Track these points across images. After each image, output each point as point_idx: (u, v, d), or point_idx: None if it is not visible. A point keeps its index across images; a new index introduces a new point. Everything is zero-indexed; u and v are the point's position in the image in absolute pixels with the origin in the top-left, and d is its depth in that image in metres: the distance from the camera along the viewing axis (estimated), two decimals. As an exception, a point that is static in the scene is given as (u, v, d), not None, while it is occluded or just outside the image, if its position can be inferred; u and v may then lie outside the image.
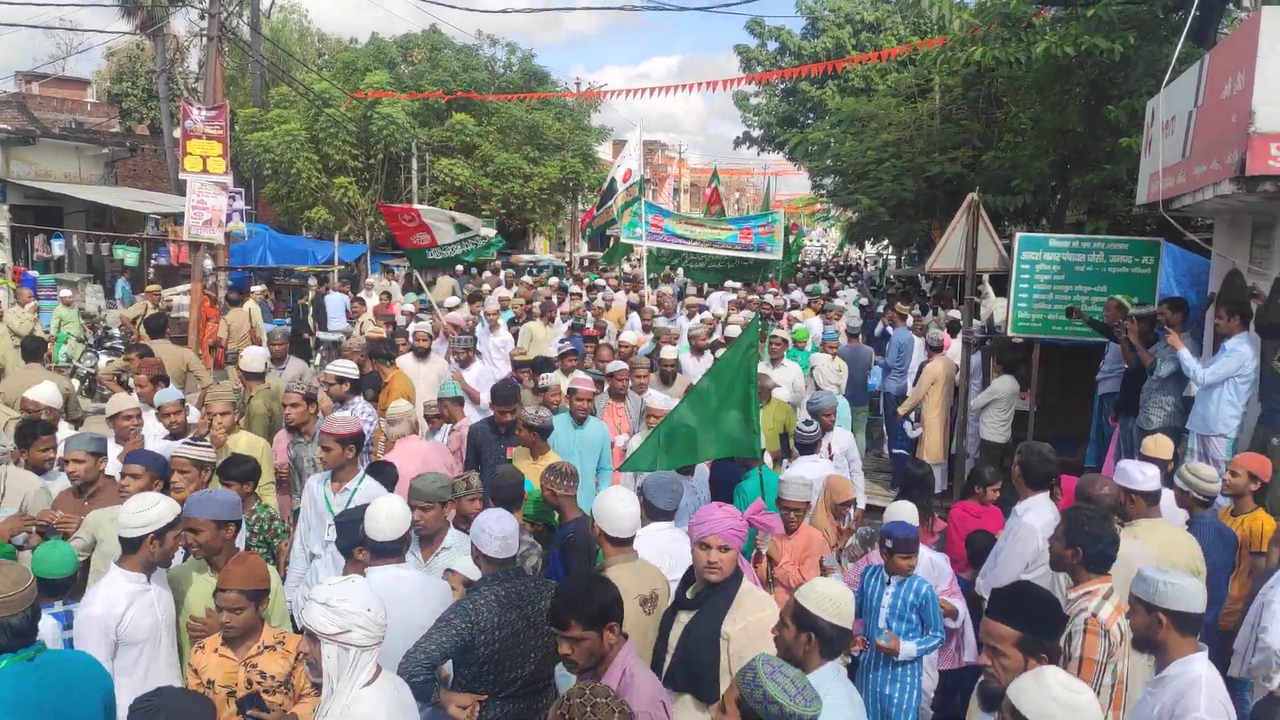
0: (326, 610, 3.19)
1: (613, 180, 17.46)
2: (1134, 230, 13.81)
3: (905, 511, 5.39)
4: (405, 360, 9.96)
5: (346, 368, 7.99)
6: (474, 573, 4.50)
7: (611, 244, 18.68)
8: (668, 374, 9.40)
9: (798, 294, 18.55)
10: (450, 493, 5.22)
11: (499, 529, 4.26)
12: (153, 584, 4.22)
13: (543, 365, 9.19)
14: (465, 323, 11.73)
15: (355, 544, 4.64)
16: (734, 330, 11.33)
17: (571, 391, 7.45)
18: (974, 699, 3.62)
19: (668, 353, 9.73)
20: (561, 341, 10.60)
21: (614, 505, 4.45)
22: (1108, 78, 12.25)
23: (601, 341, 10.96)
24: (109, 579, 4.17)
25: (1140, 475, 5.18)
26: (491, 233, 12.86)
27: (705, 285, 20.09)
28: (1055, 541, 4.34)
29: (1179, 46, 8.53)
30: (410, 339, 10.47)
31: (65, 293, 17.38)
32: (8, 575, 3.36)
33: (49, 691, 3.32)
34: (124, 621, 4.06)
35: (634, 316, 14.41)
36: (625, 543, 4.47)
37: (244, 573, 3.92)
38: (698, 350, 10.90)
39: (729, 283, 19.56)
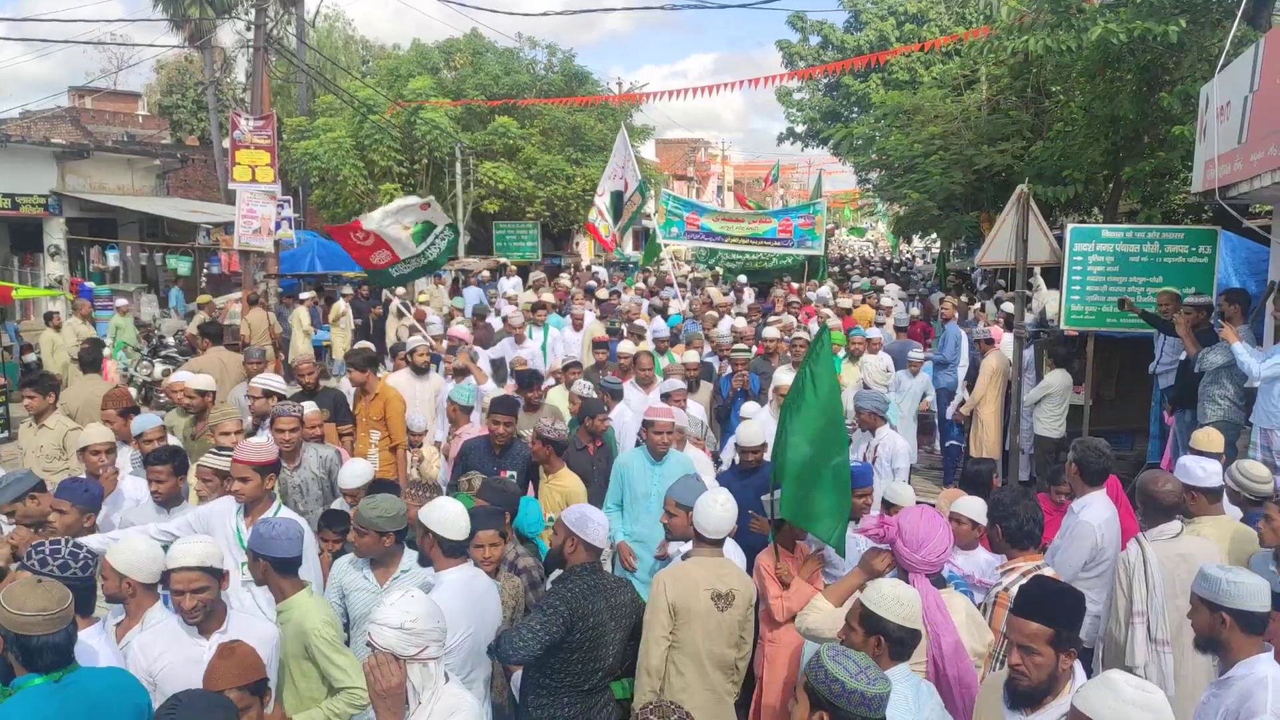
0: (403, 634, 3.17)
1: (615, 195, 16.27)
2: (1189, 219, 13.54)
3: (971, 508, 5.28)
4: (401, 377, 9.21)
5: (273, 381, 7.42)
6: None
7: (647, 243, 18.25)
8: (691, 380, 9.06)
9: (825, 290, 18.05)
10: (403, 522, 4.77)
11: (603, 519, 4.40)
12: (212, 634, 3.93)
13: (530, 379, 8.46)
14: (469, 335, 11.10)
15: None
16: (771, 332, 10.99)
17: (649, 424, 6.53)
18: (989, 697, 3.54)
19: (690, 357, 9.56)
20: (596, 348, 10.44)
21: (708, 504, 4.58)
22: (1160, 64, 12.03)
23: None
24: (162, 622, 4.05)
25: (1200, 471, 5.07)
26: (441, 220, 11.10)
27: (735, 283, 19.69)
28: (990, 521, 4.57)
29: (1233, 30, 8.35)
30: (409, 355, 9.45)
31: (121, 302, 17.72)
32: (47, 593, 3.33)
33: (72, 713, 3.27)
34: (158, 668, 3.89)
35: (657, 320, 13.72)
36: (712, 542, 4.59)
37: (235, 668, 3.40)
38: (725, 358, 10.44)
39: (740, 278, 19.15)
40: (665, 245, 17.35)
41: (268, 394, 7.25)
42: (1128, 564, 4.74)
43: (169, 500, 5.48)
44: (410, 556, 4.79)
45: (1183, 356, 8.46)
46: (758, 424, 6.66)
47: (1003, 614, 4.08)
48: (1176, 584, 4.57)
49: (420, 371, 9.20)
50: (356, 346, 10.03)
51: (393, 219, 10.57)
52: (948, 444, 11.92)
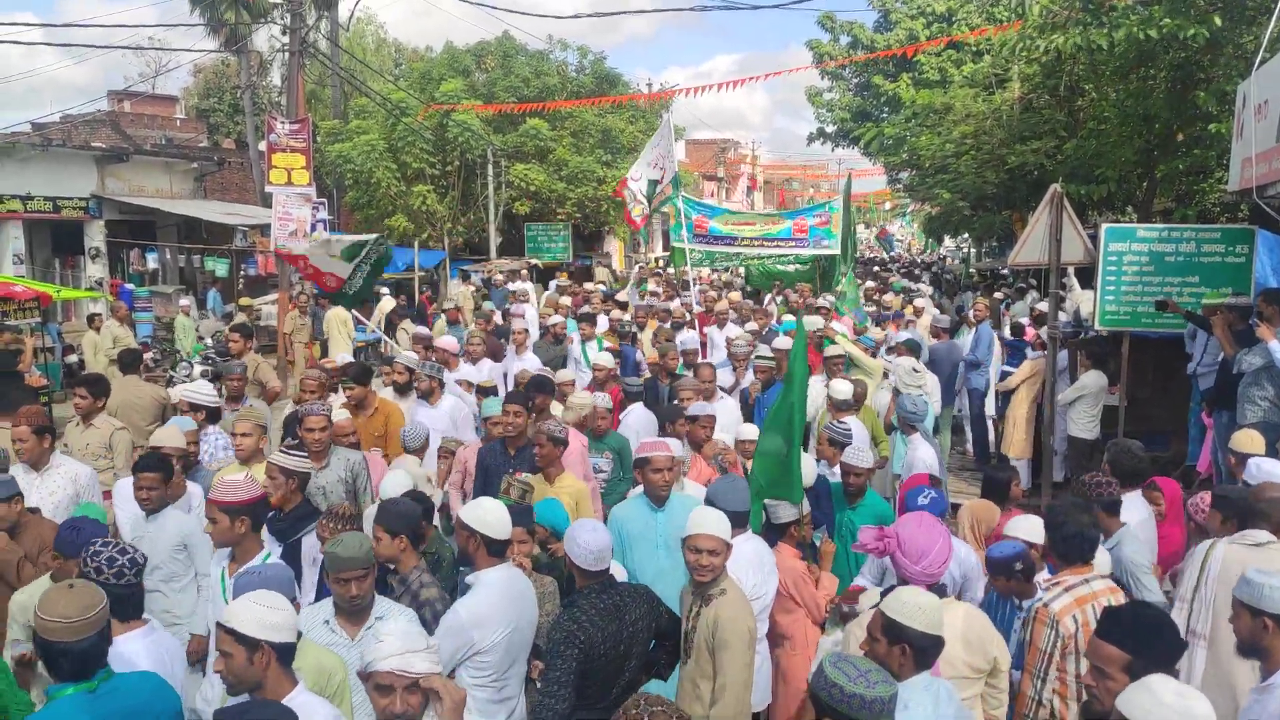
0: (430, 655, 3.19)
1: (652, 183, 15.41)
2: (1225, 218, 13.42)
3: (1022, 528, 5.00)
4: (384, 396, 8.67)
5: (203, 393, 7.05)
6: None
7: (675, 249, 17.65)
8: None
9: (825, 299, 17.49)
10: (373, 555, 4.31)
11: (592, 542, 4.18)
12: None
13: (541, 385, 7.78)
14: (454, 347, 10.30)
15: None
16: (783, 343, 9.99)
17: (644, 461, 5.53)
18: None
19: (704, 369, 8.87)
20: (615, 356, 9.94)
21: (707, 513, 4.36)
22: (1194, 61, 11.93)
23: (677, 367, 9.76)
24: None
25: (1255, 470, 5.05)
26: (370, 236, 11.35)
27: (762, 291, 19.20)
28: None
29: (1270, 28, 8.28)
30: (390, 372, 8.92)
31: (184, 302, 17.98)
32: (75, 600, 3.32)
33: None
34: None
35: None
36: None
37: None
38: (742, 366, 9.94)
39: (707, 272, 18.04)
40: (679, 248, 16.18)
41: (195, 408, 7.01)
42: (1191, 554, 4.73)
43: (156, 508, 5.47)
44: (383, 603, 4.30)
45: (1222, 357, 8.41)
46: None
47: (1041, 630, 4.06)
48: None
49: (402, 390, 8.67)
50: (350, 360, 9.58)
51: (319, 247, 11.00)
52: (974, 415, 11.99)
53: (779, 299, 17.22)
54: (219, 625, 3.34)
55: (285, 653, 3.36)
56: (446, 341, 10.51)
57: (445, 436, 7.80)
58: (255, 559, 4.62)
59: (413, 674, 3.13)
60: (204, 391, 7.09)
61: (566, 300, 15.21)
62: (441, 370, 8.74)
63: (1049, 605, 4.10)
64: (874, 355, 10.71)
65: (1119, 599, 4.16)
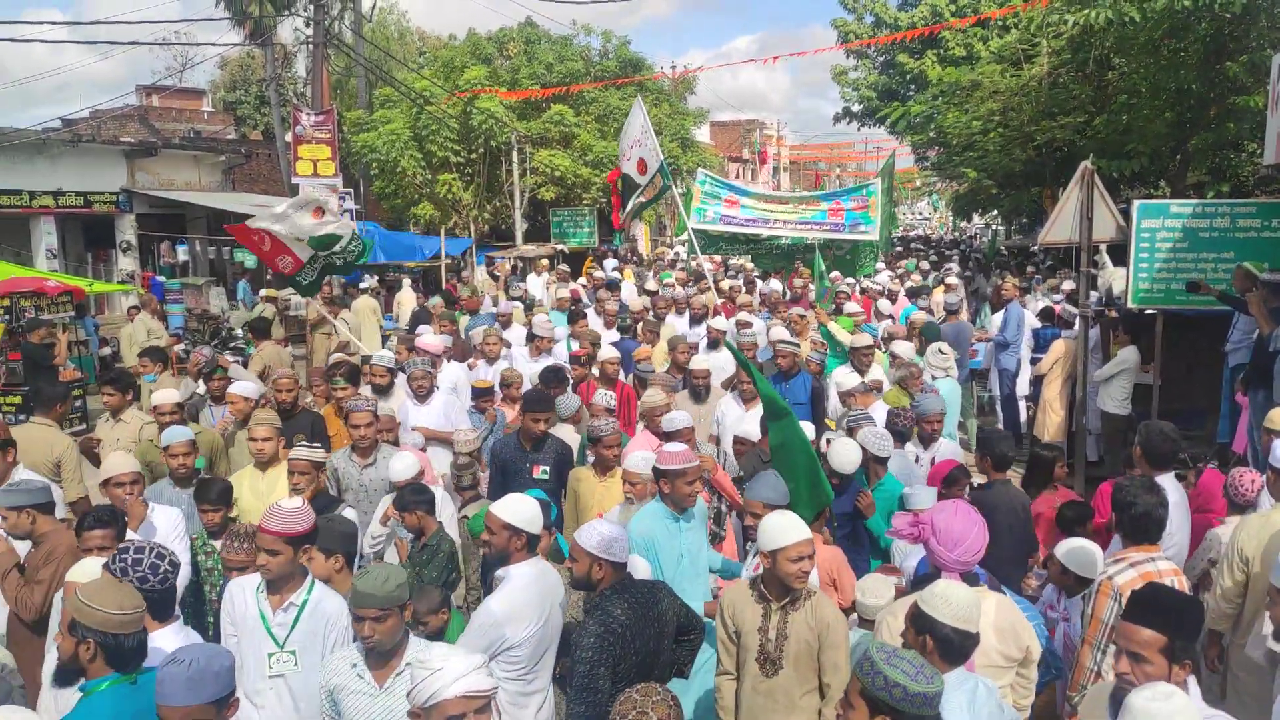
0: (486, 670, 3.10)
1: (626, 177, 13.82)
2: (1260, 191, 13.19)
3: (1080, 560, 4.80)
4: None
5: None
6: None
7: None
8: (699, 389, 8.23)
9: (884, 276, 16.18)
10: (407, 592, 3.85)
11: (616, 530, 4.13)
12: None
13: (538, 403, 6.75)
14: (438, 348, 9.27)
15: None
16: (780, 332, 9.36)
17: (677, 474, 5.02)
18: (1093, 710, 3.47)
19: (697, 361, 8.53)
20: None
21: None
22: (1226, 32, 11.71)
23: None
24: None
25: (1277, 451, 4.95)
26: (347, 231, 10.02)
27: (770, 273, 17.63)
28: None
29: (1305, -3, 8.12)
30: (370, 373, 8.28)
31: (263, 291, 18.02)
32: (113, 596, 3.32)
33: (149, 712, 3.19)
34: None
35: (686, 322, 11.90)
36: None
37: None
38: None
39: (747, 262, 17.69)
40: (696, 231, 14.78)
41: None
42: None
43: None
44: (416, 644, 3.92)
45: (1255, 334, 8.26)
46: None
47: (1105, 602, 4.06)
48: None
49: (381, 391, 7.96)
50: (336, 359, 8.99)
51: (286, 223, 9.70)
52: (1005, 395, 11.94)
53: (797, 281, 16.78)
54: None
55: None
56: (429, 342, 9.51)
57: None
58: (297, 592, 4.20)
59: (484, 692, 2.99)
60: None
61: (564, 292, 13.67)
62: (430, 364, 8.25)
63: (1113, 578, 4.10)
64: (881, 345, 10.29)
65: (1181, 581, 4.14)
